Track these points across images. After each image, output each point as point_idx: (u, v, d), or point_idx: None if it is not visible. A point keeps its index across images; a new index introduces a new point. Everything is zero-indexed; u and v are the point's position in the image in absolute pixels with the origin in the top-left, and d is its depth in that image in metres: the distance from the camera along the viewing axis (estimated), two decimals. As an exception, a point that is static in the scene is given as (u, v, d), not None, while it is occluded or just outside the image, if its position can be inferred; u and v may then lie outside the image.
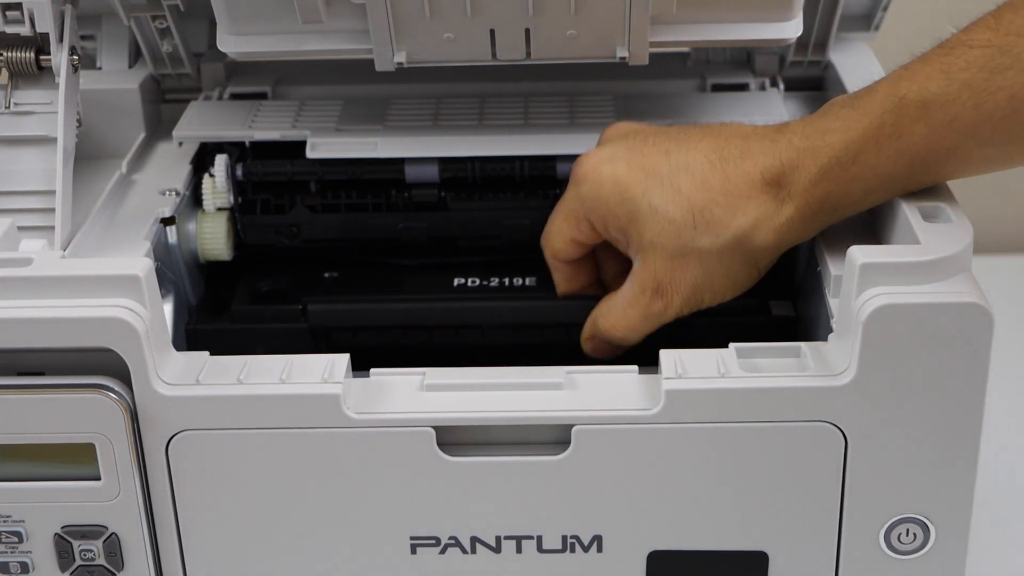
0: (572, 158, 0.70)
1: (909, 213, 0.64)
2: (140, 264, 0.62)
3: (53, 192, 0.69)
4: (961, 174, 0.64)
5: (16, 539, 0.65)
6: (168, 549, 0.66)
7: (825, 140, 0.63)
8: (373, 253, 0.79)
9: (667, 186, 0.65)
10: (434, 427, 0.63)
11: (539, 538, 0.65)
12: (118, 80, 0.84)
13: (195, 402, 0.62)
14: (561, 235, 0.70)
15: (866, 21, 0.88)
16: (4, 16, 0.71)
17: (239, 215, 0.79)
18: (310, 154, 0.77)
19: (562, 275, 0.73)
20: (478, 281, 0.76)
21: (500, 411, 0.63)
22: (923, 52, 0.62)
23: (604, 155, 0.67)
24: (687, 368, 0.63)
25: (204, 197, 0.78)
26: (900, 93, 0.61)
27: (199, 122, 0.81)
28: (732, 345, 0.64)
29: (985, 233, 0.78)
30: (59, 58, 0.71)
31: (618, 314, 0.68)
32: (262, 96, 0.86)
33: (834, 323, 0.64)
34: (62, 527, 0.65)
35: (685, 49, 0.89)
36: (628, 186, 0.65)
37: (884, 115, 0.61)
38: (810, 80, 0.87)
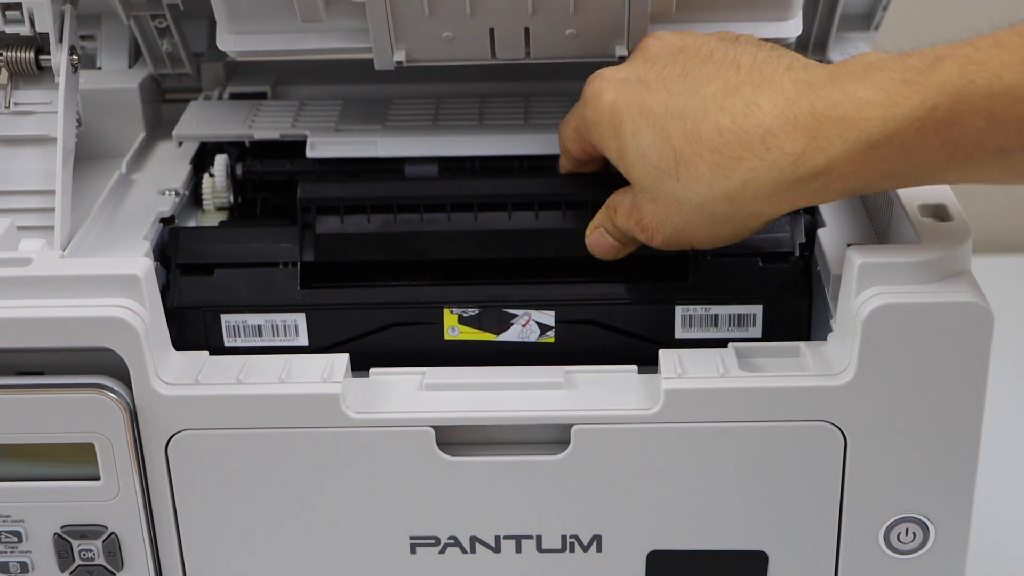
0: None
1: (908, 212, 0.64)
2: (140, 264, 0.62)
3: (53, 192, 0.69)
4: (996, 179, 0.56)
5: (16, 539, 0.65)
6: (167, 549, 0.66)
7: (860, 112, 0.55)
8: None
9: (657, 130, 0.61)
10: (433, 427, 0.63)
11: (538, 538, 0.65)
12: (118, 80, 0.84)
13: (194, 402, 0.62)
14: (571, 141, 0.69)
15: (866, 20, 0.88)
16: (4, 16, 0.71)
17: (239, 215, 0.79)
18: (310, 153, 0.77)
19: (569, 161, 0.71)
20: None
21: (499, 411, 0.63)
22: (993, 30, 0.55)
23: (613, 79, 0.64)
24: (686, 368, 0.63)
25: (204, 197, 0.78)
26: (968, 77, 0.53)
27: (199, 122, 0.81)
28: (731, 345, 0.64)
29: (985, 233, 0.78)
30: (59, 58, 0.71)
31: (620, 217, 0.66)
32: (262, 96, 0.86)
33: (833, 323, 0.64)
34: (61, 527, 0.65)
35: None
36: (621, 123, 0.63)
37: (941, 98, 0.54)
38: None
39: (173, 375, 0.63)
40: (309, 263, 0.71)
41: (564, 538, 0.65)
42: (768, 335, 0.69)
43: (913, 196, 0.66)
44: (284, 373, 0.63)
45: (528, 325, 0.70)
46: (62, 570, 0.66)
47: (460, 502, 0.64)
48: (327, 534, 0.65)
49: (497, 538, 0.65)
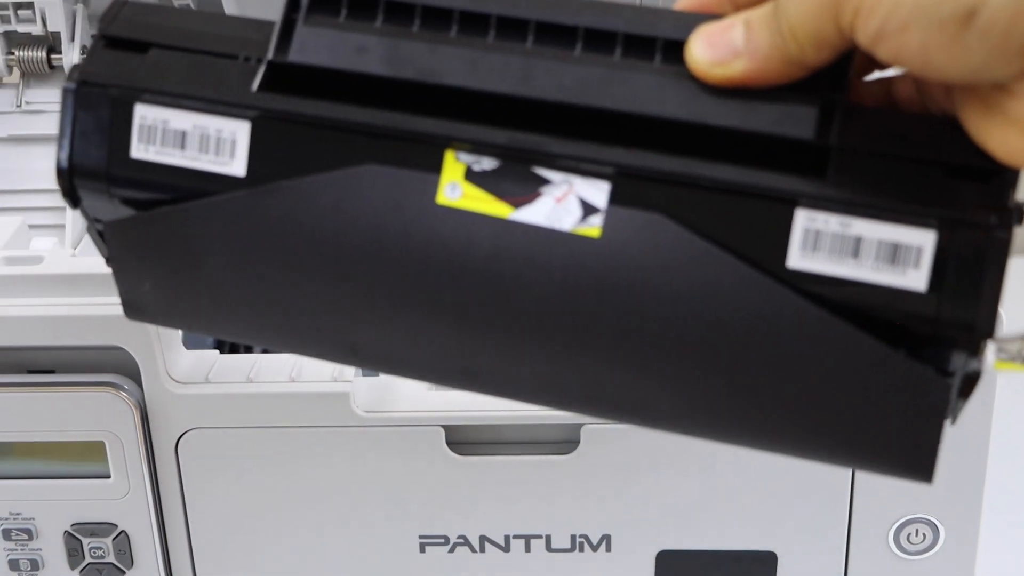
0: None
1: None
2: (150, 262, 0.63)
3: (64, 191, 0.69)
4: None
5: (26, 536, 0.65)
6: (177, 547, 0.66)
7: None
8: None
9: None
10: (443, 426, 0.63)
11: (548, 537, 0.65)
12: (129, 79, 0.84)
13: (205, 400, 0.62)
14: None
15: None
16: (16, 15, 0.71)
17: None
18: None
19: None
20: None
21: (509, 410, 0.63)
22: None
23: None
24: (696, 368, 0.63)
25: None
26: None
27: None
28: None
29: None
30: (71, 57, 0.71)
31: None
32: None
33: (843, 323, 0.64)
34: (72, 524, 0.65)
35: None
36: None
37: None
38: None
39: (184, 373, 0.63)
40: (279, 64, 0.49)
41: (573, 538, 0.65)
42: (936, 288, 0.42)
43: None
44: (294, 372, 0.63)
45: (565, 200, 0.46)
46: (72, 568, 0.66)
47: (470, 501, 0.64)
48: (336, 533, 0.65)
49: (507, 537, 0.65)
